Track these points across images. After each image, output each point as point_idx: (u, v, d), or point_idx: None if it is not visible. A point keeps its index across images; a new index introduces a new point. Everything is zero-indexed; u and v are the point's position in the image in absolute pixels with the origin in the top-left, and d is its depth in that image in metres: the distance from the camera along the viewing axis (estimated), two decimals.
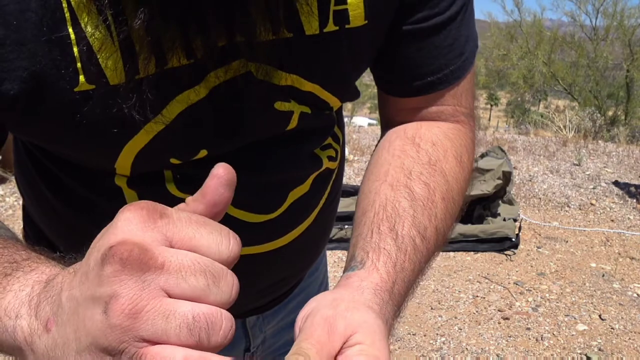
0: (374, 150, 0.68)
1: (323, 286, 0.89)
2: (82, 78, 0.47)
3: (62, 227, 0.66)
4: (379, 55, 0.62)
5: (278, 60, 0.53)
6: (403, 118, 0.66)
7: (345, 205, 2.99)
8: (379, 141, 0.69)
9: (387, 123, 0.69)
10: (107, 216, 0.60)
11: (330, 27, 0.54)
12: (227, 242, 0.36)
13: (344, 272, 0.55)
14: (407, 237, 0.55)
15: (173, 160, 0.56)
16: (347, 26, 0.55)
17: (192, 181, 0.58)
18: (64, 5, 0.45)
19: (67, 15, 0.45)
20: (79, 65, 0.47)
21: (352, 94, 0.66)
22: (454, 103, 0.65)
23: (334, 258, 3.23)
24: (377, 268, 0.52)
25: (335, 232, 3.32)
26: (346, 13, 0.54)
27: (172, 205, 0.59)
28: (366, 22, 0.55)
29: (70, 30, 0.45)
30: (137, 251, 0.31)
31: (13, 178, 4.22)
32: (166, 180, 0.58)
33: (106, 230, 0.35)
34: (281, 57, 0.53)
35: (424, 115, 0.65)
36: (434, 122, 0.65)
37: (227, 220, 0.61)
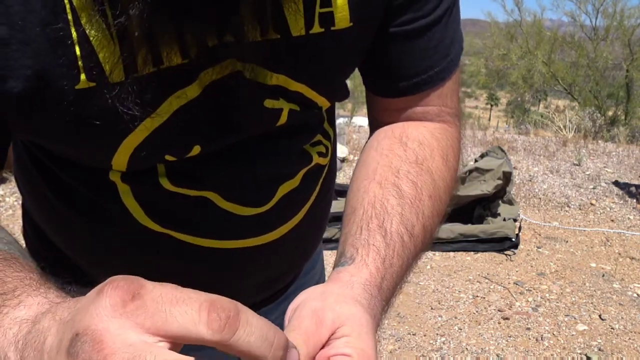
0: (362, 150, 0.69)
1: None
2: (83, 76, 0.48)
3: (60, 224, 0.66)
4: (365, 56, 0.63)
5: (265, 60, 0.54)
6: (390, 118, 0.68)
7: (344, 205, 2.97)
8: (367, 141, 0.70)
9: (375, 123, 0.70)
10: (102, 212, 0.61)
11: (316, 29, 0.55)
12: (204, 320, 0.30)
13: (333, 267, 0.56)
14: (396, 234, 0.56)
15: (168, 157, 0.57)
16: (332, 28, 0.56)
17: (185, 175, 0.59)
18: (67, 5, 0.46)
19: (70, 15, 0.46)
20: (80, 63, 0.48)
21: (341, 95, 0.67)
22: (439, 103, 0.66)
23: (334, 258, 3.22)
24: (366, 264, 0.53)
25: (335, 232, 3.32)
26: (332, 16, 0.55)
27: (165, 199, 0.60)
28: (351, 24, 0.57)
29: (73, 30, 0.47)
30: (88, 346, 0.30)
31: (13, 178, 4.22)
32: (159, 174, 0.59)
33: (83, 303, 0.33)
34: (268, 57, 0.54)
35: (410, 115, 0.66)
36: (420, 122, 0.66)
37: (218, 213, 0.62)
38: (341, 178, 4.85)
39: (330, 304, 0.47)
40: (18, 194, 4.06)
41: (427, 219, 0.59)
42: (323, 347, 0.44)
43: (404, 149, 0.63)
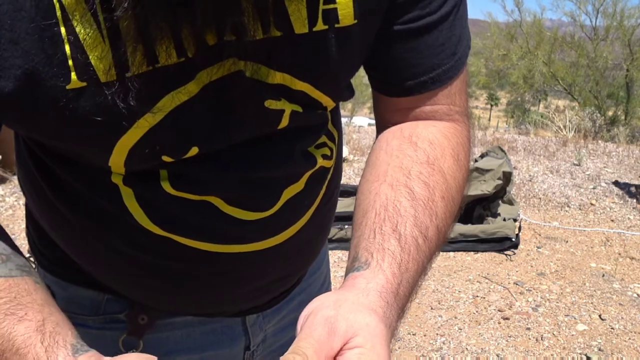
0: (370, 151, 0.67)
1: (325, 286, 0.89)
2: (73, 75, 0.48)
3: (61, 225, 0.66)
4: (370, 54, 0.62)
5: (268, 58, 0.53)
6: (397, 118, 0.66)
7: (345, 205, 2.99)
8: (375, 141, 0.68)
9: (382, 123, 0.69)
10: (104, 214, 0.61)
11: (320, 26, 0.54)
12: None
13: (347, 272, 0.54)
14: (410, 237, 0.54)
15: (165, 158, 0.56)
16: (336, 25, 0.55)
17: (186, 179, 0.58)
18: (56, 4, 0.45)
19: (59, 14, 0.46)
20: (70, 63, 0.47)
21: (345, 94, 0.66)
22: (447, 102, 0.64)
23: (334, 258, 3.23)
24: (382, 269, 0.52)
25: (335, 232, 3.31)
26: (335, 12, 0.54)
27: (168, 203, 0.60)
28: (356, 21, 0.56)
29: (62, 28, 0.46)
30: None
31: (13, 178, 4.22)
32: (161, 178, 0.58)
33: None
34: (271, 55, 0.53)
35: (418, 114, 0.65)
36: (429, 121, 0.65)
37: (221, 218, 0.61)
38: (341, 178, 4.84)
39: (343, 312, 0.45)
40: (18, 194, 4.05)
41: (441, 220, 0.58)
42: (335, 357, 0.43)
43: (414, 149, 0.61)
